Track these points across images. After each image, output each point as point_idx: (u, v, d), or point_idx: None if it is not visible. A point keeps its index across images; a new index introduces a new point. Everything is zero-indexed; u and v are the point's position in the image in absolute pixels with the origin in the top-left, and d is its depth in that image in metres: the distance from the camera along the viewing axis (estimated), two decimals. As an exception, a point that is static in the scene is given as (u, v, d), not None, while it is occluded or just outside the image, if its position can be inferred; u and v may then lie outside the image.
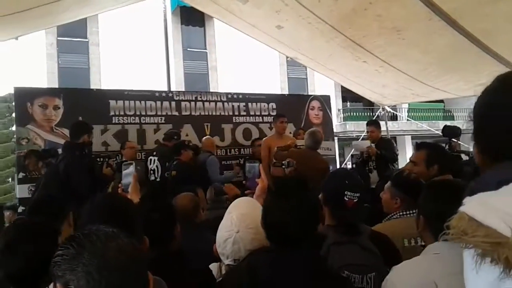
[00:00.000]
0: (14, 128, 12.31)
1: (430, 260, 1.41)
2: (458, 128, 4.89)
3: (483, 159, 0.84)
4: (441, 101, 20.84)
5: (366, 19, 4.65)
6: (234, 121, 7.20)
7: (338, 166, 10.65)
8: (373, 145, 5.93)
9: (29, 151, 5.60)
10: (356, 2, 4.34)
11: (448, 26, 4.27)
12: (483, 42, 4.54)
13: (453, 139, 4.83)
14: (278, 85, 19.76)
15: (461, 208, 0.68)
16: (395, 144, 6.65)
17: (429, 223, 1.60)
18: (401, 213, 2.51)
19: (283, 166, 3.70)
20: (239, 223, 1.64)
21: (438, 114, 23.86)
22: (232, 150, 7.09)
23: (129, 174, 2.38)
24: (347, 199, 1.92)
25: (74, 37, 16.75)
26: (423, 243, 1.77)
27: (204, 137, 6.53)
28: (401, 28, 4.68)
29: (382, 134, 6.46)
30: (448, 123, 22.51)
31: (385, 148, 5.90)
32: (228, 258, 1.65)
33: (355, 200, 1.92)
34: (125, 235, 1.00)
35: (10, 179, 13.28)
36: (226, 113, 7.16)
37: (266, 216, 1.55)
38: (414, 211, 2.34)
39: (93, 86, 16.10)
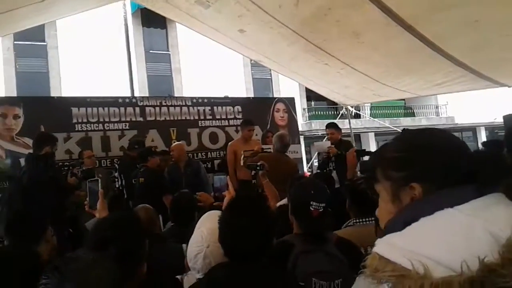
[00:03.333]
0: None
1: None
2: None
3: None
4: (402, 98, 21.45)
5: (326, 24, 4.76)
6: (200, 125, 7.20)
7: (305, 165, 10.83)
8: (333, 146, 6.08)
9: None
10: (315, 8, 4.43)
11: (405, 31, 4.43)
12: (437, 45, 4.72)
13: None
14: (243, 86, 19.81)
15: (373, 249, 0.79)
16: (354, 145, 6.83)
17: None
18: (354, 221, 2.61)
19: (258, 168, 3.75)
20: (209, 238, 1.67)
21: (399, 111, 24.58)
22: (199, 154, 7.09)
23: (95, 191, 2.35)
24: (312, 209, 1.98)
25: (31, 41, 16.25)
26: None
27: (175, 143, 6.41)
28: (360, 32, 4.82)
29: (345, 132, 6.62)
30: (409, 119, 23.35)
31: (345, 149, 6.04)
32: (199, 273, 1.68)
33: (320, 210, 1.99)
34: (107, 262, 1.03)
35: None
36: (192, 118, 7.15)
37: (221, 233, 1.59)
38: (366, 219, 2.45)
39: (53, 90, 15.69)
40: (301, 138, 13.00)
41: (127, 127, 6.58)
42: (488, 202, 0.77)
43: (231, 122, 7.45)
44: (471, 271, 0.65)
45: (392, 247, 0.75)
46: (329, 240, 2.02)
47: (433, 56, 4.95)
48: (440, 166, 0.86)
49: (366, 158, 4.33)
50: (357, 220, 2.59)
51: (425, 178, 0.87)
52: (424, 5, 3.97)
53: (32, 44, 16.46)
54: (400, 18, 4.20)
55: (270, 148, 5.54)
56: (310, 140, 20.22)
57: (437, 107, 25.69)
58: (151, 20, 18.31)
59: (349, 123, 9.38)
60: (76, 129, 6.21)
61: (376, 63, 5.65)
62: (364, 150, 5.78)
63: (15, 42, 15.95)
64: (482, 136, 26.49)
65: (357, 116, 18.99)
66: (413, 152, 0.90)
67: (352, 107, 9.22)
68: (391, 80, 6.34)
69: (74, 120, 6.21)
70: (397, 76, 6.13)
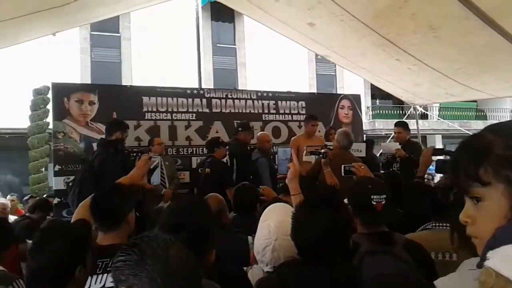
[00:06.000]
0: (47, 119, 12.67)
1: (465, 277, 1.39)
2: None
3: None
4: (474, 100, 20.26)
5: (400, 17, 4.58)
6: (263, 119, 7.19)
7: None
8: (401, 148, 5.83)
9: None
10: (390, 0, 4.28)
11: (486, 25, 4.16)
12: (522, 42, 4.41)
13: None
14: (306, 82, 19.63)
15: (487, 263, 0.66)
16: (423, 148, 6.47)
17: (463, 239, 1.56)
18: (433, 225, 2.39)
19: (321, 156, 3.69)
20: (277, 231, 1.65)
21: (470, 113, 23.22)
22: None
23: (155, 169, 2.38)
24: (375, 202, 1.91)
25: (106, 32, 17.11)
26: (453, 258, 1.74)
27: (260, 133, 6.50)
28: (436, 26, 4.58)
29: (411, 134, 6.29)
30: (481, 123, 22.00)
31: (412, 151, 5.75)
32: (267, 265, 1.66)
33: (383, 202, 1.91)
34: (180, 243, 1.05)
35: (43, 169, 13.58)
36: (256, 111, 7.16)
37: (296, 231, 1.53)
38: (447, 224, 2.27)
39: (124, 80, 16.45)
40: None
41: (193, 118, 6.71)
42: None
43: (294, 117, 7.38)
44: None
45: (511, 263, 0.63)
46: (397, 242, 1.92)
47: (516, 54, 4.62)
48: None
49: (440, 157, 4.02)
50: (437, 224, 2.36)
51: None
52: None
53: (107, 35, 17.32)
54: (481, 12, 3.94)
55: (332, 145, 5.43)
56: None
57: (512, 111, 24.06)
58: (220, 14, 18.60)
59: (417, 123, 9.01)
60: (146, 117, 6.41)
61: (451, 59, 5.35)
62: (442, 149, 5.42)
63: (91, 32, 16.84)
64: None
65: (425, 116, 18.16)
66: None
67: (420, 106, 8.84)
68: (466, 78, 6.00)
69: (145, 109, 6.43)
70: (473, 74, 5.78)
